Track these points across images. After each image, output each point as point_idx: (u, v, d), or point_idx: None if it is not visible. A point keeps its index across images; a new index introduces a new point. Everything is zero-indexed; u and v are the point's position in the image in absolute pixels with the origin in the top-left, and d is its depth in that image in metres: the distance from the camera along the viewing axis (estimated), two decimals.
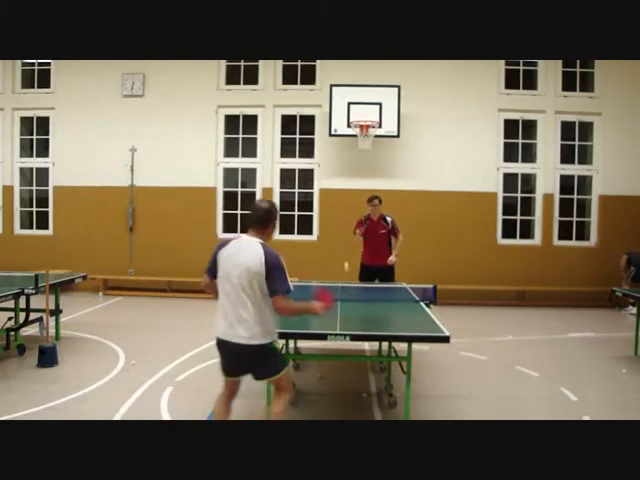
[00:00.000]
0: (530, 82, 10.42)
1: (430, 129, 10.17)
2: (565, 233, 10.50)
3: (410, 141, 10.10)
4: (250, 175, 10.79)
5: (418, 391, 4.92)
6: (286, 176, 10.71)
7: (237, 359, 3.37)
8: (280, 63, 10.55)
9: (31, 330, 6.63)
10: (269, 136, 10.58)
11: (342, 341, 3.80)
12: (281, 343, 5.15)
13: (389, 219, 7.40)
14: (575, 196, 10.53)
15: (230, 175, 10.82)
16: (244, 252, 3.26)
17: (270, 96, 10.50)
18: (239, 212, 10.73)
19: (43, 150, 11.03)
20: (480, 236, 10.22)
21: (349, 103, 9.71)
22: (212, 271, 3.47)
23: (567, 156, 10.49)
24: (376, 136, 9.73)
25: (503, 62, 10.29)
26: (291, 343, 5.39)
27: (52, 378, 5.29)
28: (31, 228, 11.08)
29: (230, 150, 10.77)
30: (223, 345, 3.37)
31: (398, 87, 9.76)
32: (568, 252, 10.31)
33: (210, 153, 10.61)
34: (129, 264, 10.60)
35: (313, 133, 10.58)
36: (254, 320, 3.24)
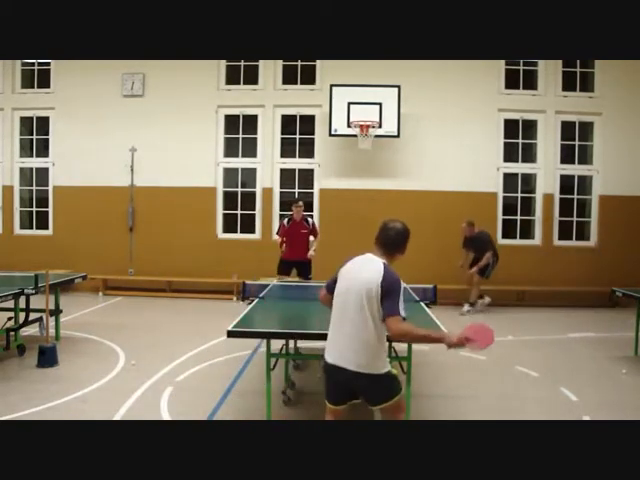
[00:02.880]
0: (530, 82, 10.42)
1: (430, 129, 10.17)
2: (565, 233, 10.51)
3: (410, 141, 10.10)
4: (250, 175, 10.79)
5: (418, 391, 4.91)
6: (286, 176, 10.71)
7: (345, 385, 3.10)
8: (280, 63, 10.55)
9: (31, 330, 6.63)
10: (269, 136, 10.59)
11: None
12: (281, 343, 5.19)
13: (310, 220, 8.53)
14: (575, 196, 10.54)
15: (230, 175, 10.82)
16: (364, 270, 3.01)
17: (270, 96, 10.51)
18: (239, 212, 10.74)
19: (43, 150, 11.03)
20: None
21: (349, 103, 9.72)
22: (331, 286, 3.22)
23: (567, 156, 10.49)
24: (376, 136, 9.73)
25: (503, 62, 10.30)
26: (291, 343, 5.39)
27: (52, 378, 5.29)
28: (31, 228, 11.09)
29: (230, 150, 10.77)
30: (333, 370, 3.09)
31: (398, 87, 9.76)
32: (568, 252, 10.31)
33: (210, 153, 10.61)
34: (129, 264, 10.60)
35: (313, 133, 10.59)
36: (367, 342, 2.98)
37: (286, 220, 8.47)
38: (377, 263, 3.02)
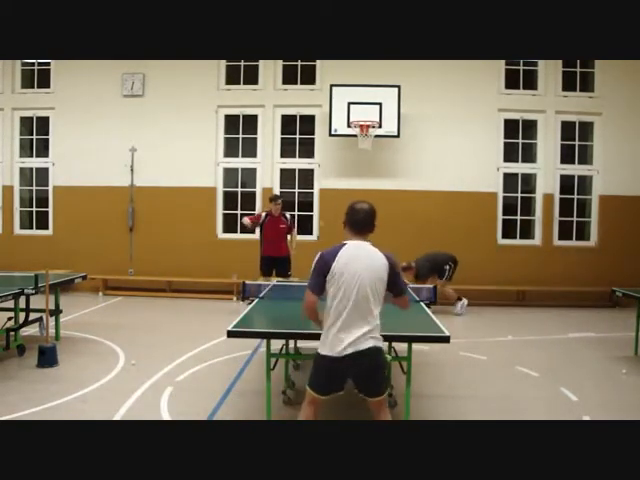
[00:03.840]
0: (530, 82, 10.42)
1: (430, 129, 10.17)
2: (565, 233, 10.50)
3: (410, 141, 10.10)
4: (250, 175, 10.79)
5: (418, 391, 4.91)
6: (286, 176, 10.71)
7: (342, 374, 3.17)
8: (280, 63, 10.54)
9: (31, 330, 6.62)
10: (269, 136, 10.58)
11: None
12: (281, 343, 5.19)
13: (288, 216, 8.75)
14: (575, 196, 10.53)
15: (230, 175, 10.82)
16: (365, 258, 3.11)
17: (270, 96, 10.50)
18: (239, 212, 10.73)
19: (43, 150, 11.02)
20: (480, 236, 10.22)
21: (349, 103, 9.71)
22: (320, 287, 3.15)
23: (567, 156, 10.48)
24: (376, 136, 9.73)
25: (503, 62, 10.29)
26: (291, 343, 5.39)
27: (52, 378, 5.29)
28: (31, 228, 11.08)
29: (230, 150, 10.77)
30: (348, 358, 3.10)
31: (398, 87, 9.75)
32: (568, 252, 10.31)
33: (210, 153, 10.61)
34: (129, 264, 10.60)
35: (313, 133, 10.58)
36: (375, 325, 3.14)
37: (264, 214, 8.72)
38: (371, 248, 3.18)
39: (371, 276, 3.10)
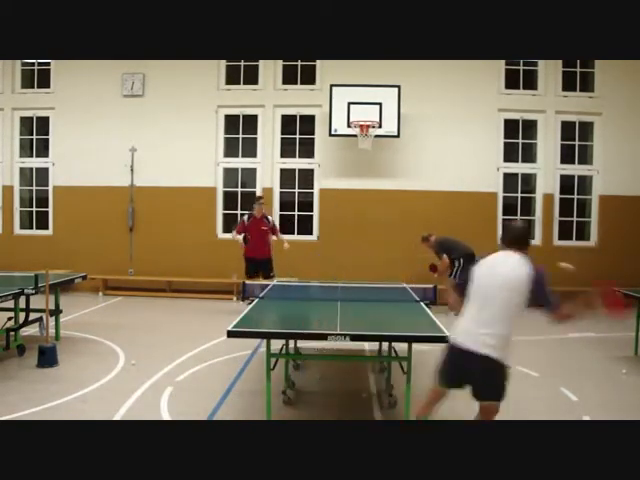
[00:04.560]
0: (530, 82, 10.42)
1: (430, 129, 10.17)
2: (565, 233, 10.50)
3: (410, 141, 10.10)
4: (250, 175, 10.79)
5: (418, 391, 4.91)
6: (286, 176, 10.71)
7: (469, 368, 3.33)
8: (280, 63, 10.55)
9: (31, 330, 6.62)
10: (269, 136, 10.59)
11: (342, 341, 3.79)
12: (281, 343, 5.19)
13: (270, 218, 8.91)
14: (575, 196, 10.53)
15: (230, 175, 10.82)
16: (503, 265, 3.29)
17: (270, 96, 10.51)
18: (239, 212, 10.73)
19: (43, 150, 11.03)
20: (480, 236, 10.18)
21: (349, 103, 9.71)
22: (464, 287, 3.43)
23: (567, 156, 10.49)
24: (376, 136, 9.73)
25: (503, 62, 10.30)
26: (291, 343, 5.39)
27: (52, 378, 5.29)
28: (31, 228, 11.09)
29: (230, 150, 10.77)
30: (459, 352, 3.34)
31: (398, 87, 9.76)
32: (568, 252, 10.27)
33: (210, 153, 10.61)
34: (129, 264, 10.60)
35: (313, 133, 10.59)
36: (500, 333, 3.24)
37: (246, 217, 8.80)
38: (517, 258, 3.28)
39: (506, 279, 3.23)
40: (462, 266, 8.78)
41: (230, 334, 3.87)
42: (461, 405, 4.86)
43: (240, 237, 8.83)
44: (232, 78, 10.62)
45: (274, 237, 8.90)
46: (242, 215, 8.98)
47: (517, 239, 3.38)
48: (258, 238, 8.66)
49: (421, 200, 10.12)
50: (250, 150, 10.74)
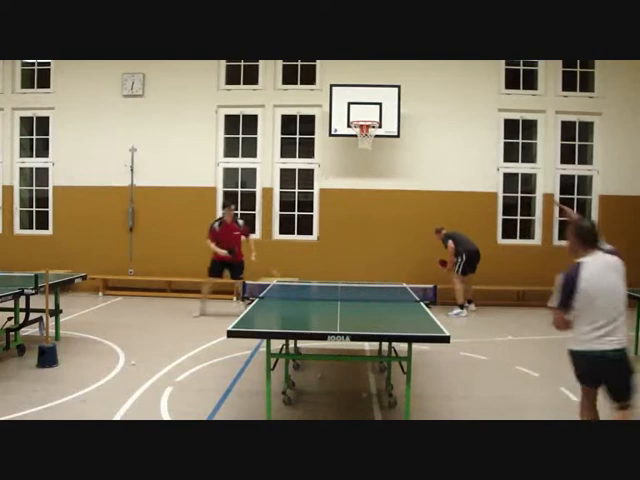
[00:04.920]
0: (530, 82, 10.42)
1: (430, 129, 10.17)
2: (565, 233, 10.48)
3: (410, 141, 10.10)
4: (250, 175, 10.79)
5: (418, 391, 4.91)
6: (286, 176, 10.71)
7: (612, 367, 3.39)
8: (280, 63, 10.54)
9: (31, 330, 6.62)
10: (269, 136, 10.58)
11: (342, 341, 3.79)
12: (281, 343, 5.19)
13: (241, 222, 8.86)
14: (575, 196, 10.52)
15: (230, 175, 10.82)
16: (612, 270, 3.64)
17: (270, 96, 10.50)
18: (239, 212, 10.71)
19: (43, 150, 11.02)
20: (480, 236, 10.19)
21: (349, 103, 9.71)
22: (569, 303, 3.55)
23: (567, 156, 10.48)
24: (376, 136, 9.73)
25: (503, 62, 10.29)
26: (291, 343, 5.39)
27: (52, 378, 5.29)
28: (31, 228, 11.08)
29: (230, 150, 10.77)
30: (603, 356, 3.38)
31: (398, 87, 9.75)
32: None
33: (210, 153, 10.61)
34: (129, 264, 10.60)
35: (313, 133, 10.58)
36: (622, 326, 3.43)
37: (217, 224, 8.73)
38: (615, 259, 3.68)
39: (620, 280, 3.66)
40: (465, 261, 8.93)
41: (230, 334, 3.87)
42: (461, 405, 4.87)
43: (221, 251, 8.56)
44: (232, 78, 10.62)
45: (243, 238, 8.76)
46: (213, 223, 8.79)
47: (597, 237, 3.64)
48: (230, 242, 8.58)
49: (421, 200, 10.12)
50: (250, 150, 10.74)
